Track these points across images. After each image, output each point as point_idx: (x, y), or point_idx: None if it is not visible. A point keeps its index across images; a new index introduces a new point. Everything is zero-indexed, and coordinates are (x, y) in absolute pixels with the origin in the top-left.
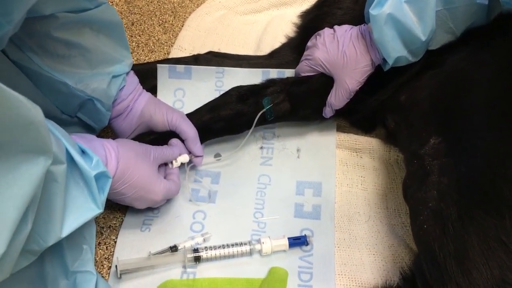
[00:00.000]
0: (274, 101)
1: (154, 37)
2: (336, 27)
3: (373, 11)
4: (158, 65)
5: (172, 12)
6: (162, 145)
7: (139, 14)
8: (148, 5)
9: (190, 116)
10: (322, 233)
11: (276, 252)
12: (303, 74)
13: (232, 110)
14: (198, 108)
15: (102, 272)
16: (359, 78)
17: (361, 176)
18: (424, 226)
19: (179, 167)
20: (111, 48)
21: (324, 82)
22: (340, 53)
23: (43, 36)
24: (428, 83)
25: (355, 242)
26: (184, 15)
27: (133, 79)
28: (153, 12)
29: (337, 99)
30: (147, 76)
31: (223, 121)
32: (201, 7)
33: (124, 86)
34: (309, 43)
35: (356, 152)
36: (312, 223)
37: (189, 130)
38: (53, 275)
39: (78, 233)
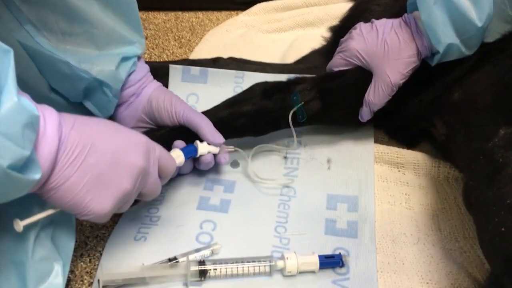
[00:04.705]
0: (304, 99)
1: (168, 50)
2: (374, 19)
3: None
4: (170, 65)
5: (189, 29)
6: (171, 142)
7: (154, 30)
8: (164, 23)
9: (205, 113)
10: (361, 253)
11: (303, 272)
12: (336, 69)
13: (255, 106)
14: (216, 105)
15: None
16: (403, 70)
17: (405, 194)
18: (501, 229)
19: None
20: (121, 27)
21: (360, 76)
22: (380, 42)
23: (42, 3)
24: (487, 74)
25: (403, 267)
26: (202, 33)
27: (144, 65)
28: (169, 29)
29: (376, 95)
30: (157, 74)
31: (244, 117)
32: (222, 25)
33: (134, 70)
34: (343, 38)
35: (398, 168)
36: (347, 242)
37: (200, 118)
38: None
39: (50, 248)
